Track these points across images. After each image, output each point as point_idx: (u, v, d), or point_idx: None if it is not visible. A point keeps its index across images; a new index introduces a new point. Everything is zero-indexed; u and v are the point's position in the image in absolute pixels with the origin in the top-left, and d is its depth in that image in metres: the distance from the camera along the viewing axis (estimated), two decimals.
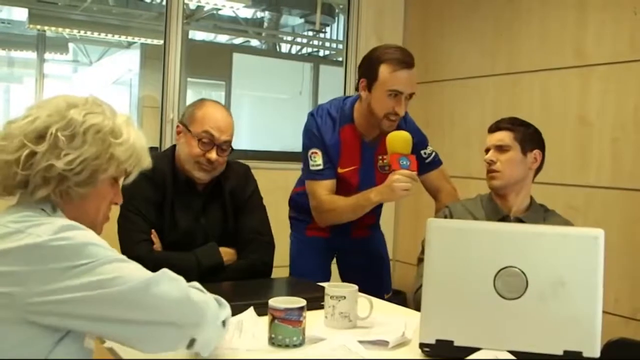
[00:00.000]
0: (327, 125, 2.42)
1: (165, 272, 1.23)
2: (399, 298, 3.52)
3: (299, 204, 2.63)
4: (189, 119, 2.17)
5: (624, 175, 3.18)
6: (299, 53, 7.05)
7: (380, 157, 2.47)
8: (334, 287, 1.75)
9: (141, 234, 2.07)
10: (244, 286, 2.03)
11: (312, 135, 2.42)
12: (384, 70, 2.29)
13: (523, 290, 1.43)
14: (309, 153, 2.42)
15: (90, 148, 1.28)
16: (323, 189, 2.39)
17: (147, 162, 1.40)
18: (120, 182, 1.40)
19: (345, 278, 2.63)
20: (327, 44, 7.17)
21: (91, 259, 1.16)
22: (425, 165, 2.57)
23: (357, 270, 2.60)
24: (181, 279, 1.26)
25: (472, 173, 3.76)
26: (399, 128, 2.35)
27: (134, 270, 1.20)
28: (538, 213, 2.27)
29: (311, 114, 2.47)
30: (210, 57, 5.59)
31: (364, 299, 1.75)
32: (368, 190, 2.29)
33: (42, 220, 1.20)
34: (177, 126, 2.21)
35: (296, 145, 2.61)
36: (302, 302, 1.54)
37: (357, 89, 2.41)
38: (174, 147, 2.24)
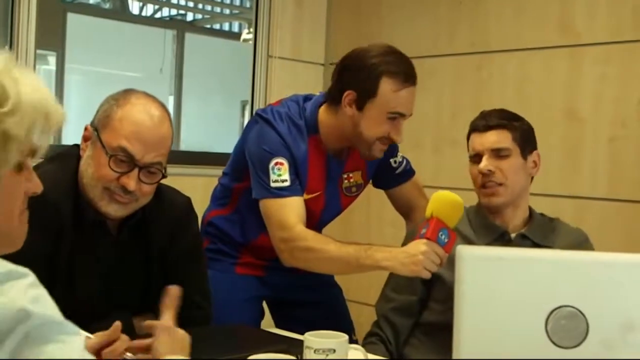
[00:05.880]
0: (294, 134, 2.39)
1: None
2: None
3: (223, 231, 2.58)
4: (103, 119, 1.91)
5: (624, 183, 3.31)
6: (157, 16, 6.91)
7: (346, 176, 2.52)
8: (315, 337, 1.73)
9: None
10: None
11: (275, 141, 2.36)
12: (386, 86, 2.28)
13: (583, 336, 1.44)
14: (272, 164, 2.34)
15: None
16: (293, 213, 2.30)
17: (58, 115, 1.24)
18: (30, 162, 1.25)
19: (286, 320, 2.63)
20: (198, 5, 7.03)
21: None
22: (396, 176, 2.67)
23: (304, 308, 2.63)
24: None
25: (424, 180, 3.79)
26: None
27: None
28: (544, 225, 2.35)
29: (262, 118, 2.40)
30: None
31: (355, 352, 1.73)
32: (374, 247, 2.17)
33: None
34: (85, 128, 1.95)
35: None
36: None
37: (331, 100, 2.39)
38: (78, 159, 1.95)
